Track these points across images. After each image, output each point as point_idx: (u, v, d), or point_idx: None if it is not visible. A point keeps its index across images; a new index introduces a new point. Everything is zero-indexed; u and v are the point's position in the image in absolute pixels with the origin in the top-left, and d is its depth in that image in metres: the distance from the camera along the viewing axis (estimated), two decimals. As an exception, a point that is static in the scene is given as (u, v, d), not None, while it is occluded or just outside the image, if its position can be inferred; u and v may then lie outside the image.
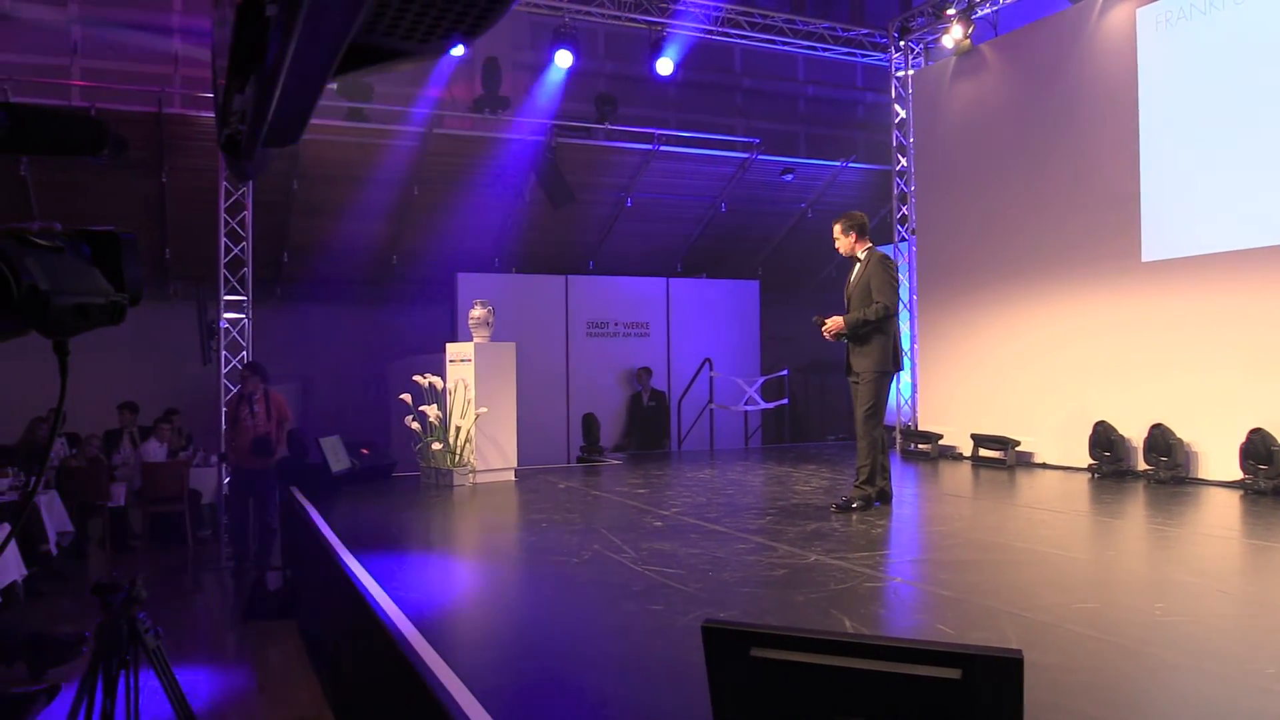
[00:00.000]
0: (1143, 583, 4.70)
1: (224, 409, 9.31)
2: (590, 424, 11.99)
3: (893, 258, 6.76)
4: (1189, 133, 8.22)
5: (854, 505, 6.52)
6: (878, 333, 6.51)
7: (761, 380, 12.92)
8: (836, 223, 6.82)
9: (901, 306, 11.76)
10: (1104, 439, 8.51)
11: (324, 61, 0.75)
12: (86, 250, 1.28)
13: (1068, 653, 3.33)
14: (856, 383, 6.64)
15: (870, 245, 6.75)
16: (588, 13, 11.21)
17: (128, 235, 1.33)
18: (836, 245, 6.85)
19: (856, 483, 6.64)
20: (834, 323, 6.62)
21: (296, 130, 0.83)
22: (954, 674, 1.80)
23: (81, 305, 1.21)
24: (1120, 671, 3.20)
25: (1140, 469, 8.28)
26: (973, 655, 1.81)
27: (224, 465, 9.31)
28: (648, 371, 13.22)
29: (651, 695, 3.07)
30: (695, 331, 13.75)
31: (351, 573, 4.83)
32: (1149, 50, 8.58)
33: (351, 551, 5.40)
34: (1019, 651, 1.79)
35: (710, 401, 13.21)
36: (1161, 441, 8.01)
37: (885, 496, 6.74)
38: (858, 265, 6.70)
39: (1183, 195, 8.25)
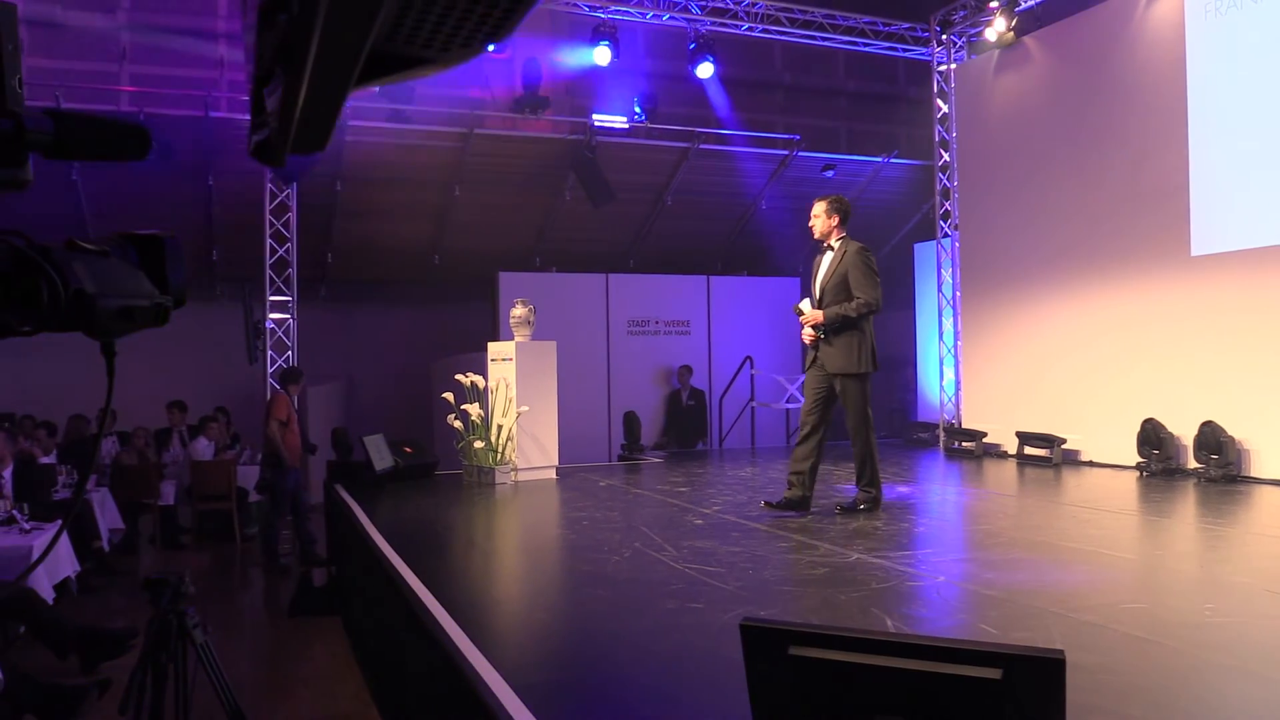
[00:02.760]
0: (1192, 583, 4.62)
1: (278, 416, 9.10)
2: (631, 422, 12.01)
3: (870, 250, 6.30)
4: (1239, 124, 8.06)
5: (861, 507, 6.32)
6: (854, 329, 6.14)
7: (803, 378, 12.86)
8: (821, 200, 6.41)
9: (945, 303, 11.67)
10: (1152, 436, 8.37)
11: (346, 67, 0.76)
12: (133, 253, 1.31)
13: (1113, 654, 3.28)
14: (819, 377, 6.32)
15: (846, 235, 6.34)
16: (627, 11, 11.21)
17: (172, 238, 1.36)
18: (812, 224, 6.42)
19: (861, 484, 6.40)
20: (813, 315, 6.25)
21: (323, 137, 0.84)
22: (994, 674, 1.79)
23: (127, 308, 1.24)
24: (1167, 673, 3.15)
25: (1190, 467, 8.14)
26: (1014, 655, 1.79)
27: (280, 471, 9.14)
28: (688, 370, 13.22)
29: (692, 693, 3.07)
30: (736, 329, 13.72)
31: (395, 570, 4.88)
32: (1197, 40, 8.42)
33: (395, 549, 5.45)
34: (1061, 652, 1.77)
35: (751, 399, 13.17)
36: (1212, 439, 7.87)
37: (876, 502, 6.43)
38: (829, 254, 6.31)
39: (1233, 188, 8.09)
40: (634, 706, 2.97)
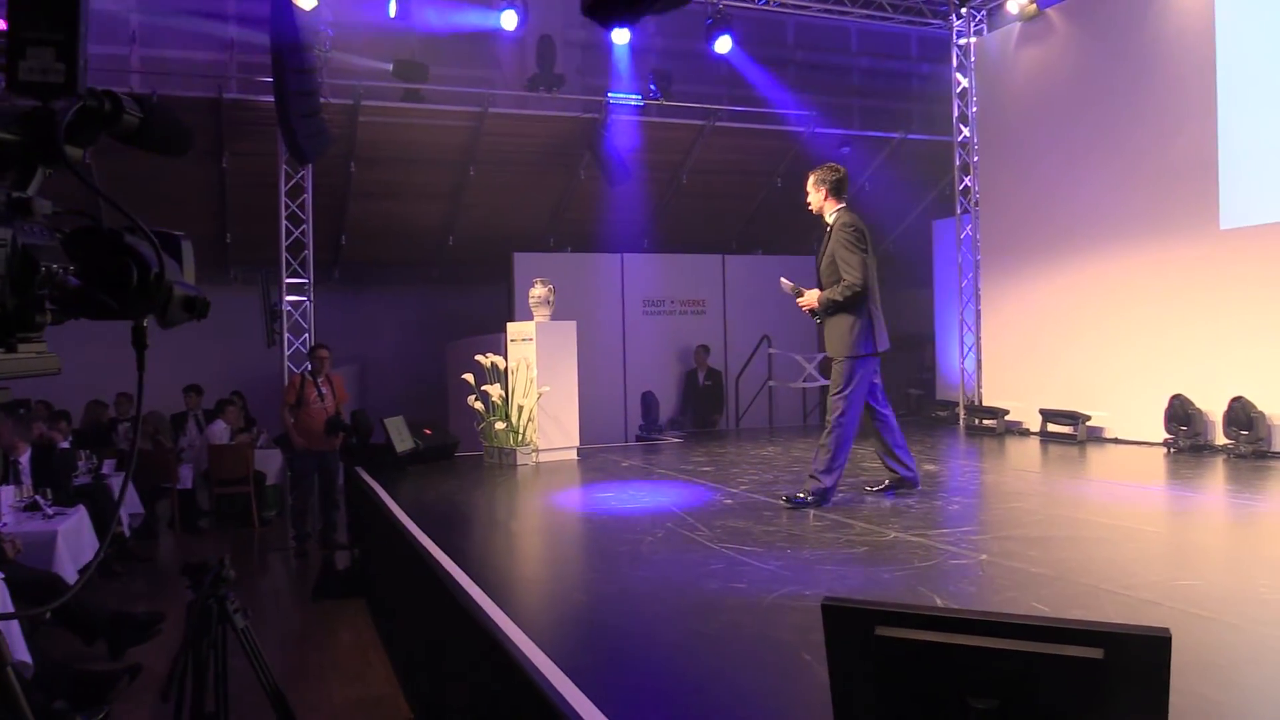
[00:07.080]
0: (1242, 560, 4.55)
1: (286, 398, 9.26)
2: (649, 402, 11.94)
3: (856, 222, 5.81)
4: (1270, 95, 7.91)
5: (809, 499, 5.75)
6: (845, 312, 5.77)
7: (820, 357, 12.76)
8: (811, 174, 6.00)
9: (965, 279, 11.55)
10: (1180, 413, 8.27)
11: None
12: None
13: (1176, 631, 3.18)
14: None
15: (842, 206, 5.93)
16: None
17: (185, 237, 1.37)
18: (808, 202, 6.01)
19: (813, 472, 5.82)
20: (810, 297, 5.90)
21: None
22: (1096, 654, 1.71)
23: (189, 298, 1.23)
24: (1235, 651, 3.08)
25: (1219, 443, 8.05)
26: (1118, 634, 1.72)
27: (291, 452, 9.31)
28: (705, 350, 13.13)
29: (746, 674, 3.00)
30: (752, 308, 13.58)
31: (428, 552, 4.81)
32: (1227, 10, 8.26)
33: (423, 530, 5.38)
34: (1167, 630, 1.69)
35: (769, 379, 13.09)
36: (1242, 415, 7.77)
37: (907, 484, 6.09)
38: (828, 230, 5.95)
39: (1264, 160, 7.95)
40: (691, 688, 2.89)
